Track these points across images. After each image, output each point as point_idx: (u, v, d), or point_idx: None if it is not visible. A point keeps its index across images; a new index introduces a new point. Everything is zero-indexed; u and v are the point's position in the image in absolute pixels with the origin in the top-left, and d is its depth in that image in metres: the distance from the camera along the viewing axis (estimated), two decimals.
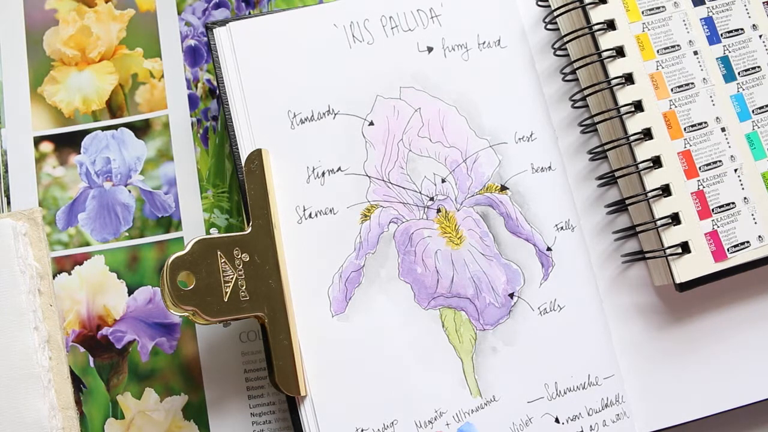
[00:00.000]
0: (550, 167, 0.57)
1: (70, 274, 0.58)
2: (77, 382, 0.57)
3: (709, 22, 0.57)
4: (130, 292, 0.58)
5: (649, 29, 0.57)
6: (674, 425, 0.55)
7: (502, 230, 0.56)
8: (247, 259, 0.52)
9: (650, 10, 0.57)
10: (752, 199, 0.56)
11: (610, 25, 0.56)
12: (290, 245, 0.54)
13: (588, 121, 0.57)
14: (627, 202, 0.56)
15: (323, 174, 0.55)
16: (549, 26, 0.59)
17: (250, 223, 0.53)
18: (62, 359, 0.56)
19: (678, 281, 0.54)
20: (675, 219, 0.55)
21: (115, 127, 0.61)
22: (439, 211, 0.56)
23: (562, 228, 0.56)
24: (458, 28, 0.58)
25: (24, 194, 0.60)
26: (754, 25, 0.58)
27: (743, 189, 0.56)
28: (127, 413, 0.57)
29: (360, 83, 0.57)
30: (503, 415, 0.54)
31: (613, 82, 0.56)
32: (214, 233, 0.59)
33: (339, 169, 0.55)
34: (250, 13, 0.63)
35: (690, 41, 0.57)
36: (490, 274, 0.55)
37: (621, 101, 0.56)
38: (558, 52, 0.59)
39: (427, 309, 0.54)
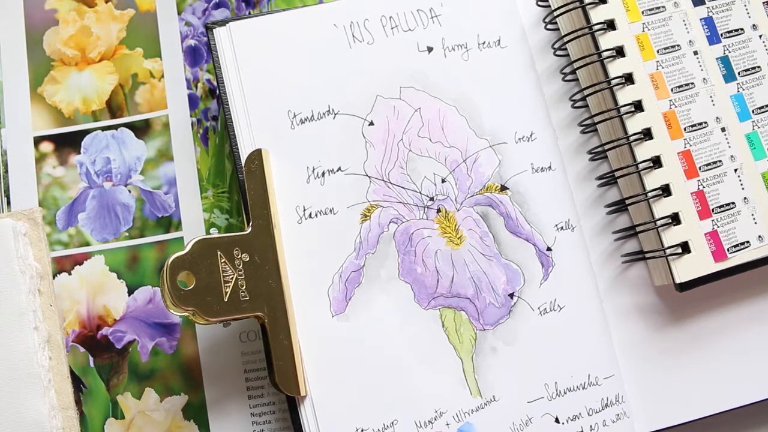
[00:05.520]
0: (550, 167, 0.57)
1: (70, 274, 0.58)
2: (77, 382, 0.57)
3: (709, 22, 0.57)
4: (130, 292, 0.58)
5: (649, 29, 0.57)
6: (674, 425, 0.55)
7: (502, 230, 0.56)
8: (247, 259, 0.52)
9: (650, 10, 0.57)
10: (752, 199, 0.56)
11: (610, 25, 0.56)
12: (290, 245, 0.54)
13: (588, 121, 0.57)
14: (627, 202, 0.56)
15: (323, 174, 0.55)
16: (549, 26, 0.59)
17: (250, 223, 0.53)
18: (62, 359, 0.56)
19: (678, 281, 0.54)
20: (675, 219, 0.55)
21: (115, 127, 0.61)
22: (439, 211, 0.56)
23: (562, 228, 0.56)
24: (458, 28, 0.58)
25: (24, 194, 0.60)
26: (754, 25, 0.58)
27: (743, 189, 0.56)
28: (127, 413, 0.57)
29: (360, 83, 0.57)
30: (503, 415, 0.54)
31: (613, 82, 0.56)
32: (214, 233, 0.59)
33: (339, 169, 0.55)
34: (250, 13, 0.63)
35: (690, 41, 0.57)
36: (490, 274, 0.55)
37: (621, 101, 0.56)
38: (558, 52, 0.59)
39: (427, 309, 0.54)
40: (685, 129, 0.56)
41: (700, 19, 0.57)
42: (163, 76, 0.62)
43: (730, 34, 0.57)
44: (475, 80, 0.57)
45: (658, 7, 0.57)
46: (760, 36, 0.58)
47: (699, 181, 0.55)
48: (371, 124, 0.56)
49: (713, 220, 0.55)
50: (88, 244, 0.59)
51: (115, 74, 0.62)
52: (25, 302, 0.54)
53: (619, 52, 0.56)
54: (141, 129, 0.61)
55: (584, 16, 0.57)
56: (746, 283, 0.56)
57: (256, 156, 0.54)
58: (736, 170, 0.56)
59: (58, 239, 0.59)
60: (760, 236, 0.55)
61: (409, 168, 0.56)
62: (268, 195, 0.53)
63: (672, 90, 0.56)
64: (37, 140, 0.61)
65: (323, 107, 0.56)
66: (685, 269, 0.54)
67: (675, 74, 0.56)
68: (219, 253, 0.52)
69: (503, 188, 0.56)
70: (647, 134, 0.55)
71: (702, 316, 0.56)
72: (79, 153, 0.61)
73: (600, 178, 0.57)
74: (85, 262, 0.59)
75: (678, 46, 0.57)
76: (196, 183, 0.60)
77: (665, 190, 0.55)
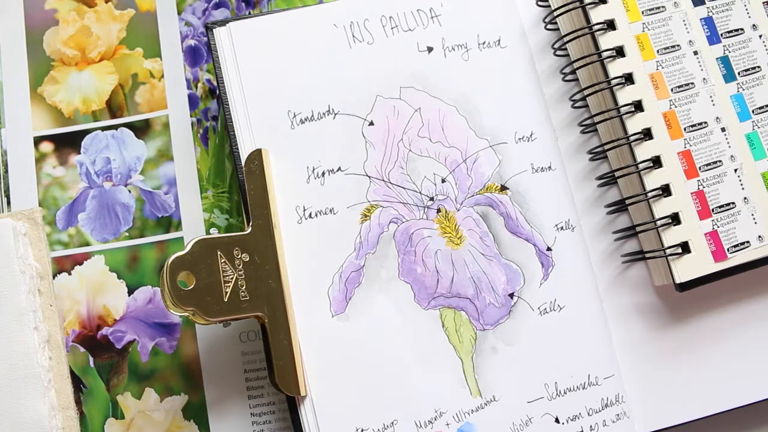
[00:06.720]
0: (550, 167, 0.57)
1: (70, 274, 0.58)
2: (77, 382, 0.57)
3: (709, 22, 0.57)
4: (130, 292, 0.58)
5: (649, 29, 0.57)
6: (674, 425, 0.55)
7: (502, 230, 0.56)
8: (247, 259, 0.52)
9: (650, 10, 0.57)
10: (752, 199, 0.56)
11: (610, 25, 0.56)
12: (290, 245, 0.54)
13: (588, 121, 0.57)
14: (627, 202, 0.56)
15: (323, 174, 0.55)
16: (549, 26, 0.59)
17: (250, 223, 0.53)
18: (62, 359, 0.56)
19: (678, 281, 0.54)
20: (675, 219, 0.55)
21: (115, 127, 0.61)
22: (439, 211, 0.56)
23: (562, 228, 0.56)
24: (458, 28, 0.58)
25: (24, 194, 0.60)
26: (754, 25, 0.58)
27: (743, 189, 0.56)
28: (127, 413, 0.57)
29: (360, 83, 0.57)
30: (503, 415, 0.54)
31: (613, 82, 0.56)
32: (214, 233, 0.59)
33: (339, 169, 0.55)
34: (250, 13, 0.63)
35: (690, 41, 0.57)
36: (490, 274, 0.55)
37: (621, 101, 0.56)
38: (558, 52, 0.59)
39: (427, 309, 0.54)
40: (685, 129, 0.56)
41: (700, 19, 0.57)
42: (163, 76, 0.62)
43: (730, 34, 0.57)
44: (475, 80, 0.57)
45: (658, 7, 0.57)
46: (760, 36, 0.58)
47: (699, 181, 0.55)
48: (371, 124, 0.56)
49: (713, 220, 0.55)
50: (88, 244, 0.59)
51: (115, 74, 0.62)
52: (25, 302, 0.54)
53: (619, 52, 0.56)
54: (141, 129, 0.61)
55: (584, 16, 0.57)
56: (746, 283, 0.56)
57: (256, 156, 0.54)
58: (736, 170, 0.56)
59: (58, 239, 0.59)
60: (760, 236, 0.55)
61: (409, 168, 0.56)
62: (268, 195, 0.53)
63: (672, 90, 0.56)
64: (37, 140, 0.61)
65: (323, 107, 0.56)
66: (685, 269, 0.54)
67: (675, 74, 0.56)
68: (219, 253, 0.52)
69: (503, 188, 0.56)
70: (647, 134, 0.55)
71: (702, 316, 0.56)
72: (79, 153, 0.61)
73: (600, 178, 0.57)
74: (85, 262, 0.59)
75: (678, 46, 0.57)
76: (196, 183, 0.60)
77: (665, 190, 0.55)
